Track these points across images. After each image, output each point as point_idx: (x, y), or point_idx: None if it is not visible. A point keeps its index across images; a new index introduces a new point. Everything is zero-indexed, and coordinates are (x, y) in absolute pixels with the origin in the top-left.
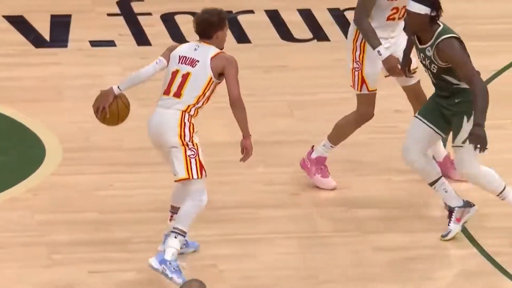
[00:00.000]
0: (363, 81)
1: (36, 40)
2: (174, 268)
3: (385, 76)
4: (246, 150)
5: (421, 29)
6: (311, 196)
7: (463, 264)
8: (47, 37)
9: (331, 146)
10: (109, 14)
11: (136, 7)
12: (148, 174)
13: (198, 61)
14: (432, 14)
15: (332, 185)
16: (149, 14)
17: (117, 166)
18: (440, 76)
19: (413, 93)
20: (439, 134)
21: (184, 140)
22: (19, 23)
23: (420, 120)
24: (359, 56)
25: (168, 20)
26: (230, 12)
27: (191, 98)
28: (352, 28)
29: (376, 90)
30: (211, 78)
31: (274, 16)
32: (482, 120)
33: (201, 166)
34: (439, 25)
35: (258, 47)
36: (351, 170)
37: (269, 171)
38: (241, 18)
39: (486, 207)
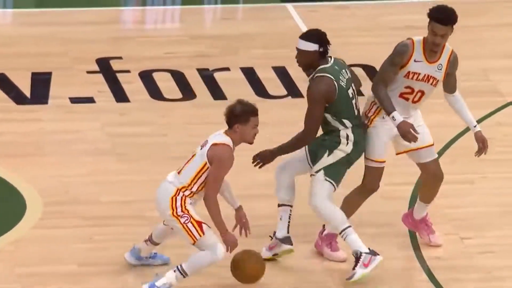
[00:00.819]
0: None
1: (17, 97)
2: None
3: (397, 154)
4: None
5: (311, 66)
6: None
7: None
8: (28, 94)
9: (348, 227)
10: (88, 72)
11: (115, 65)
12: (126, 227)
13: (204, 145)
14: (321, 50)
15: (343, 257)
16: (128, 71)
17: (96, 220)
18: None
19: (428, 171)
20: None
21: (176, 213)
22: (0, 80)
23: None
24: (366, 125)
25: (146, 77)
26: (207, 69)
27: (186, 178)
28: (368, 101)
29: (384, 161)
30: (206, 163)
31: (249, 73)
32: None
33: (199, 224)
34: (327, 62)
35: None
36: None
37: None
38: (217, 75)
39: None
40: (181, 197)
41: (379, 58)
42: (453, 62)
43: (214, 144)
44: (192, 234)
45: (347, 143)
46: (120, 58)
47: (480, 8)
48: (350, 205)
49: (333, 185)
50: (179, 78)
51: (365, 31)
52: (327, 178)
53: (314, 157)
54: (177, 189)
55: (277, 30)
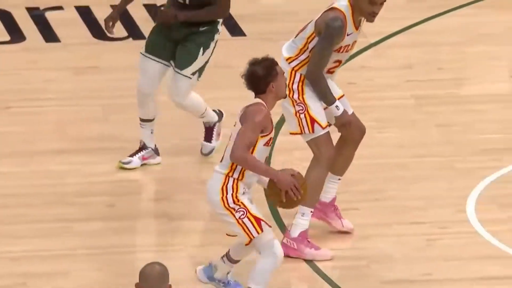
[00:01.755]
0: (313, 120)
1: None
2: None
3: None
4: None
5: None
6: (128, 207)
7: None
8: None
9: (311, 212)
10: None
11: None
12: None
13: (238, 120)
14: None
15: (330, 255)
16: None
17: None
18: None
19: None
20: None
21: (228, 204)
22: None
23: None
24: (299, 98)
25: None
26: (37, 8)
27: (228, 159)
28: (285, 72)
29: (329, 125)
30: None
31: (85, 13)
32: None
33: (257, 221)
34: None
35: (68, 46)
36: (171, 181)
37: (82, 181)
38: (49, 15)
39: None
40: (232, 185)
41: None
42: None
43: (246, 107)
44: (249, 231)
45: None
46: None
47: None
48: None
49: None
50: (6, 18)
51: None
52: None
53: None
54: (226, 176)
55: None
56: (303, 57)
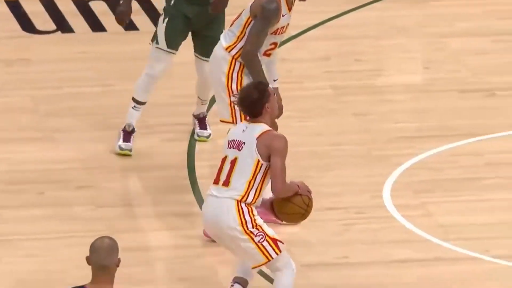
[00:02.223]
0: None
1: None
2: None
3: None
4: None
5: None
6: (57, 195)
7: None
8: None
9: None
10: None
11: None
12: None
13: (244, 143)
14: None
15: None
16: None
17: None
18: None
19: None
20: None
21: (247, 229)
22: None
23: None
24: (237, 88)
25: None
26: None
27: (241, 185)
28: (223, 61)
29: None
30: (259, 161)
31: (15, 7)
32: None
33: (275, 242)
34: None
35: None
36: (95, 169)
37: (12, 169)
38: None
39: None
40: (248, 211)
41: None
42: None
43: (258, 137)
44: (268, 253)
45: None
46: None
47: None
48: None
49: None
50: None
51: None
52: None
53: None
54: (239, 202)
55: None
56: (241, 44)
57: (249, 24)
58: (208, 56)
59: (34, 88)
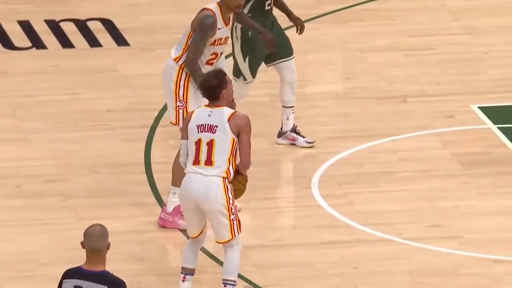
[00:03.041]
0: None
1: None
2: None
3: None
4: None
5: None
6: (33, 188)
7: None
8: None
9: None
10: None
11: None
12: None
13: (216, 126)
14: None
15: None
16: None
17: None
18: None
19: None
20: None
21: (230, 204)
22: None
23: None
24: (183, 95)
25: None
26: None
27: (223, 163)
28: (172, 70)
29: None
30: (234, 139)
31: None
32: None
33: (239, 222)
34: None
35: None
36: (65, 165)
37: None
38: None
39: None
40: (230, 189)
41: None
42: None
43: (228, 119)
44: (234, 232)
45: None
46: None
47: None
48: (180, 172)
49: None
50: None
51: None
52: None
53: None
54: (224, 179)
55: None
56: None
57: (191, 37)
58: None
59: (12, 96)
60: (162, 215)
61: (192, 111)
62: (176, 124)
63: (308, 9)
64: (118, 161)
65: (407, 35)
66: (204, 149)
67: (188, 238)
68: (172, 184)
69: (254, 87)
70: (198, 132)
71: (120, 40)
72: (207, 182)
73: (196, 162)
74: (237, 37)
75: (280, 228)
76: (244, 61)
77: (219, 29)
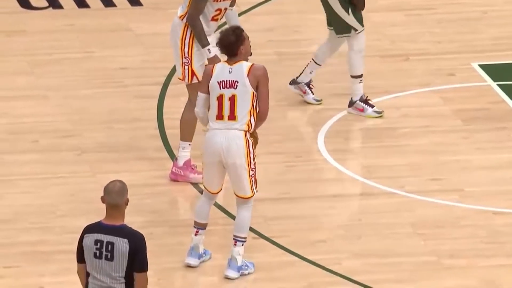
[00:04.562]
0: (193, 73)
1: None
2: (247, 265)
3: None
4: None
5: None
6: (49, 142)
7: None
8: None
9: (189, 145)
10: None
11: None
12: None
13: (237, 81)
14: None
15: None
16: None
17: None
18: None
19: None
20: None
21: (250, 159)
22: None
23: None
24: (188, 52)
25: None
26: None
27: (245, 116)
28: (178, 27)
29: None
30: (253, 93)
31: None
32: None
33: (256, 180)
34: None
35: (0, 14)
36: (80, 121)
37: (11, 121)
38: None
39: None
40: (251, 143)
41: None
42: None
43: (247, 74)
44: (253, 189)
45: None
46: None
47: None
48: (188, 126)
49: None
50: None
51: None
52: None
53: None
54: (245, 132)
55: None
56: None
57: None
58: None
59: (29, 54)
60: (173, 169)
61: (213, 66)
62: (182, 80)
63: None
64: (131, 117)
65: None
66: (226, 104)
67: (202, 193)
68: (181, 139)
69: (262, 45)
70: (220, 88)
71: (133, 0)
72: (230, 135)
73: (220, 117)
74: None
75: (287, 181)
76: (348, 13)
77: None
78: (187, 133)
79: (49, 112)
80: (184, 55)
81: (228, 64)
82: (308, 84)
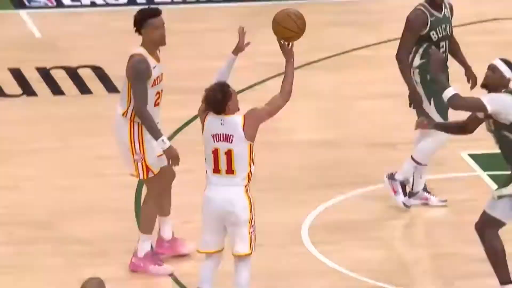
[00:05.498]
0: (148, 168)
1: None
2: None
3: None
4: None
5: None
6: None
7: None
8: None
9: (148, 238)
10: None
11: None
12: None
13: (232, 136)
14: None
15: (170, 270)
16: None
17: None
18: None
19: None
20: None
21: (251, 216)
22: None
23: None
24: (140, 148)
25: None
26: None
27: (244, 170)
28: (123, 126)
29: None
30: (251, 145)
31: None
32: None
33: (255, 240)
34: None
35: None
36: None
37: None
38: None
39: None
40: (252, 200)
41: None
42: None
43: (243, 127)
44: (252, 247)
45: None
46: None
47: None
48: (150, 219)
49: None
50: None
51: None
52: None
53: None
54: (245, 187)
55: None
56: (132, 106)
57: (131, 88)
58: None
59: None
60: (133, 260)
61: (206, 114)
62: (137, 177)
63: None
64: (110, 207)
65: (394, 82)
66: (222, 158)
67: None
68: (142, 232)
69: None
70: (214, 142)
71: (110, 87)
72: (231, 195)
73: (217, 171)
74: (416, 81)
75: (276, 275)
76: (430, 103)
77: (153, 68)
78: (147, 226)
79: (23, 202)
80: (136, 152)
81: (219, 115)
82: (424, 189)
